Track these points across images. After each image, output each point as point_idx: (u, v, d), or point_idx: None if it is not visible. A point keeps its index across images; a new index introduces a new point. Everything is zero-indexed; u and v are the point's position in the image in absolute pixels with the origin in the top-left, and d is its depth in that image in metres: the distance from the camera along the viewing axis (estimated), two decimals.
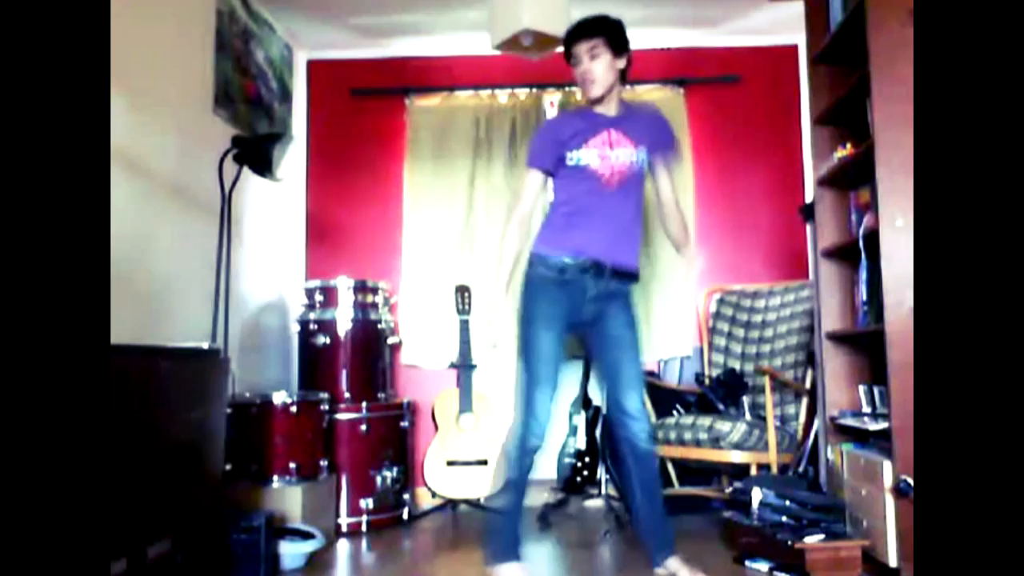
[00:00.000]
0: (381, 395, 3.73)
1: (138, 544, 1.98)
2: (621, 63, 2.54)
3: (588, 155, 2.50)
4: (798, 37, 4.17)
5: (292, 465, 3.10)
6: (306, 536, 2.86)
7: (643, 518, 2.60)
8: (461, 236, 4.38)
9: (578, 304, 2.51)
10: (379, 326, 3.74)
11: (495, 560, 2.50)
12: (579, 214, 2.52)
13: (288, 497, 2.98)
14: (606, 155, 2.51)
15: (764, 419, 3.31)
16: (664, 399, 3.77)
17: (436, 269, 4.37)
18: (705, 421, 3.31)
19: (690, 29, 4.34)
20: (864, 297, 2.81)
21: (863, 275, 2.81)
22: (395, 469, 3.62)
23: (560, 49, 3.48)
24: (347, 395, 3.60)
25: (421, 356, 4.33)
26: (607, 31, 2.51)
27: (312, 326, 3.66)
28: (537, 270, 2.52)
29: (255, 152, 3.09)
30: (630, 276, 2.60)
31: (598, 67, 2.49)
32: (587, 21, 2.53)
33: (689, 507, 3.67)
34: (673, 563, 2.55)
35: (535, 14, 3.26)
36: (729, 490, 3.10)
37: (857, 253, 2.80)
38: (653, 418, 3.59)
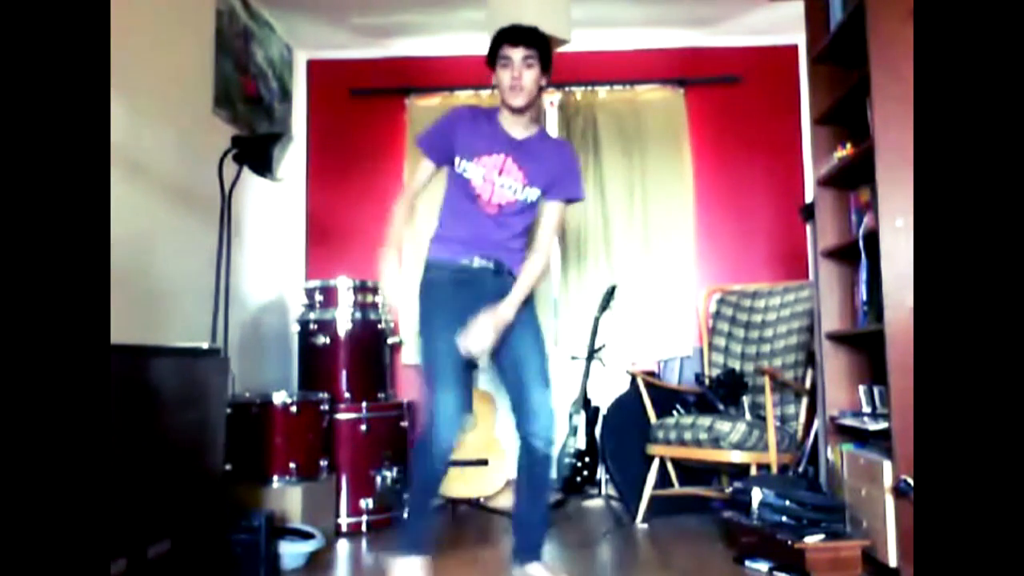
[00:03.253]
0: (381, 395, 3.73)
1: (138, 544, 1.98)
2: (544, 81, 2.48)
3: (475, 172, 2.44)
4: (798, 37, 4.17)
5: (292, 465, 3.10)
6: (306, 536, 2.86)
7: (521, 516, 2.53)
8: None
9: (478, 302, 2.39)
10: (379, 326, 3.74)
11: (399, 551, 2.46)
12: (465, 222, 2.48)
13: (288, 497, 2.98)
14: (491, 179, 2.44)
15: (764, 419, 3.31)
16: (664, 399, 3.77)
17: None
18: (705, 421, 3.30)
19: (690, 29, 4.34)
20: (864, 297, 2.81)
21: (863, 275, 2.81)
22: (395, 469, 3.62)
23: (560, 49, 3.50)
24: (347, 395, 3.60)
25: None
26: (543, 45, 2.45)
27: (312, 326, 3.66)
28: (433, 273, 2.49)
29: (255, 152, 3.09)
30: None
31: (529, 77, 2.42)
32: (527, 29, 2.46)
33: (689, 507, 3.67)
34: (534, 568, 2.48)
35: (535, 14, 3.26)
36: (729, 490, 3.09)
37: (857, 253, 2.80)
38: (653, 419, 3.59)
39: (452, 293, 2.43)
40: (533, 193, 2.46)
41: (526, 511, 2.53)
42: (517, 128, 2.49)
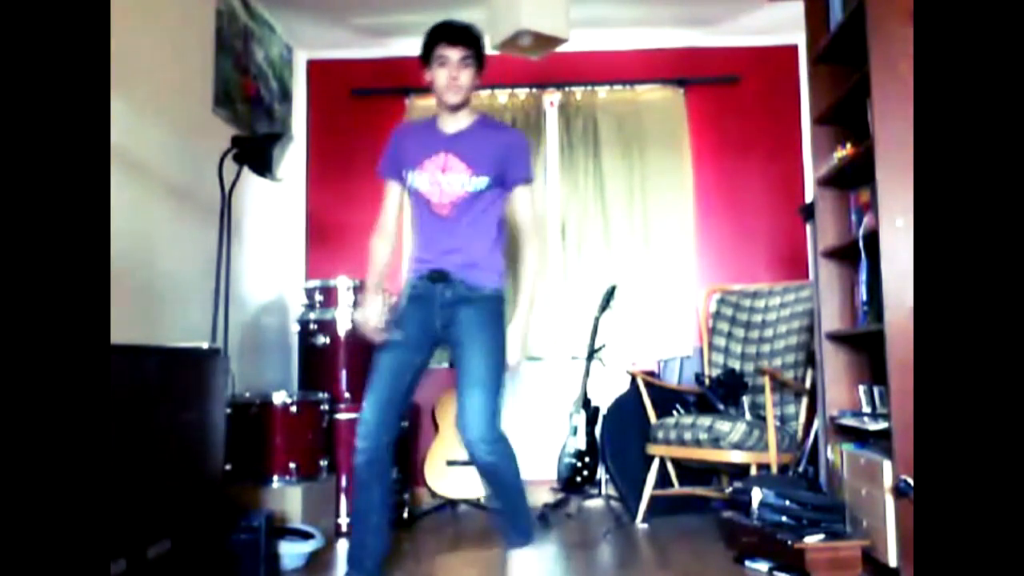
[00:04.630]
0: None
1: (138, 544, 1.98)
2: (478, 79, 2.50)
3: (420, 179, 2.46)
4: (798, 37, 4.17)
5: (292, 465, 3.10)
6: (306, 536, 2.86)
7: (496, 511, 2.55)
8: None
9: (431, 313, 2.44)
10: None
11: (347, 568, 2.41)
12: (421, 236, 2.51)
13: (288, 497, 2.98)
14: (437, 180, 2.45)
15: (764, 419, 3.31)
16: (664, 399, 3.77)
17: None
18: (705, 421, 3.31)
19: (690, 29, 4.34)
20: (864, 297, 2.81)
21: (863, 275, 2.81)
22: (395, 469, 3.62)
23: (560, 49, 3.50)
24: (347, 395, 3.60)
25: None
26: (479, 45, 2.46)
27: (312, 326, 3.66)
28: (403, 293, 2.54)
29: (255, 152, 3.09)
30: (482, 285, 2.47)
31: (466, 76, 2.43)
32: (464, 28, 2.46)
33: (689, 507, 3.67)
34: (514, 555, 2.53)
35: (534, 14, 3.27)
36: (729, 490, 3.10)
37: (857, 253, 2.80)
38: (653, 419, 3.59)
39: (407, 311, 2.48)
40: (481, 181, 2.44)
41: (495, 506, 2.55)
42: (453, 123, 2.50)
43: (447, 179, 2.44)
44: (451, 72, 2.41)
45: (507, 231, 2.53)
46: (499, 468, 2.43)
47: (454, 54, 2.41)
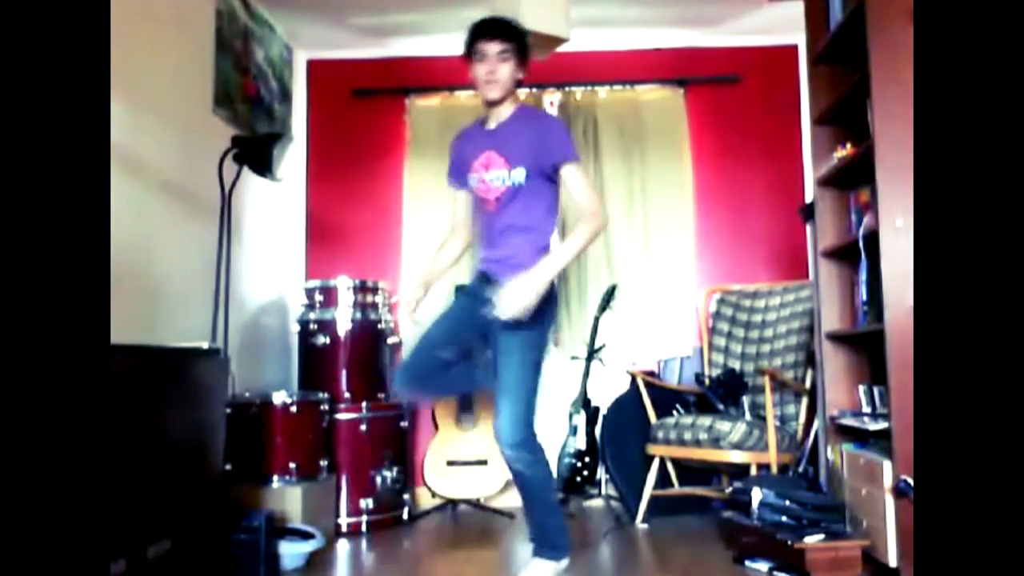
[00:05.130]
0: (381, 395, 3.73)
1: (138, 544, 1.98)
2: (520, 74, 2.48)
3: (473, 180, 2.53)
4: (798, 37, 4.16)
5: (292, 465, 3.10)
6: (306, 536, 2.86)
7: (527, 520, 2.55)
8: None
9: (477, 306, 2.44)
10: (379, 326, 3.73)
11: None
12: (479, 233, 2.62)
13: (288, 497, 2.98)
14: (483, 179, 2.50)
15: (764, 419, 3.30)
16: (664, 399, 3.77)
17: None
18: (705, 421, 3.30)
19: (690, 29, 4.34)
20: (864, 297, 2.81)
21: (863, 275, 2.81)
22: (395, 469, 3.62)
23: (560, 49, 3.50)
24: (347, 395, 3.60)
25: None
26: (519, 38, 2.45)
27: (312, 326, 3.66)
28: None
29: (255, 152, 3.09)
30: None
31: (504, 71, 2.43)
32: (502, 22, 2.47)
33: (689, 507, 3.67)
34: (533, 564, 2.48)
35: (535, 14, 3.26)
36: (729, 490, 3.09)
37: (857, 253, 2.80)
38: (653, 419, 3.59)
39: (460, 298, 2.64)
40: (519, 173, 2.43)
41: (526, 511, 2.54)
42: (495, 118, 2.52)
43: (490, 176, 2.48)
44: (488, 67, 2.42)
45: (559, 223, 2.58)
46: (525, 478, 2.42)
47: (491, 48, 2.42)
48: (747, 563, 2.76)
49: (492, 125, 2.52)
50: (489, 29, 2.44)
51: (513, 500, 4.05)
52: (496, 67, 2.42)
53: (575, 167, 2.42)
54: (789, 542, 2.59)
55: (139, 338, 2.71)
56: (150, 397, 2.06)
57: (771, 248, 4.39)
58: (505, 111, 2.50)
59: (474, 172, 2.51)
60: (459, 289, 3.96)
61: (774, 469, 3.13)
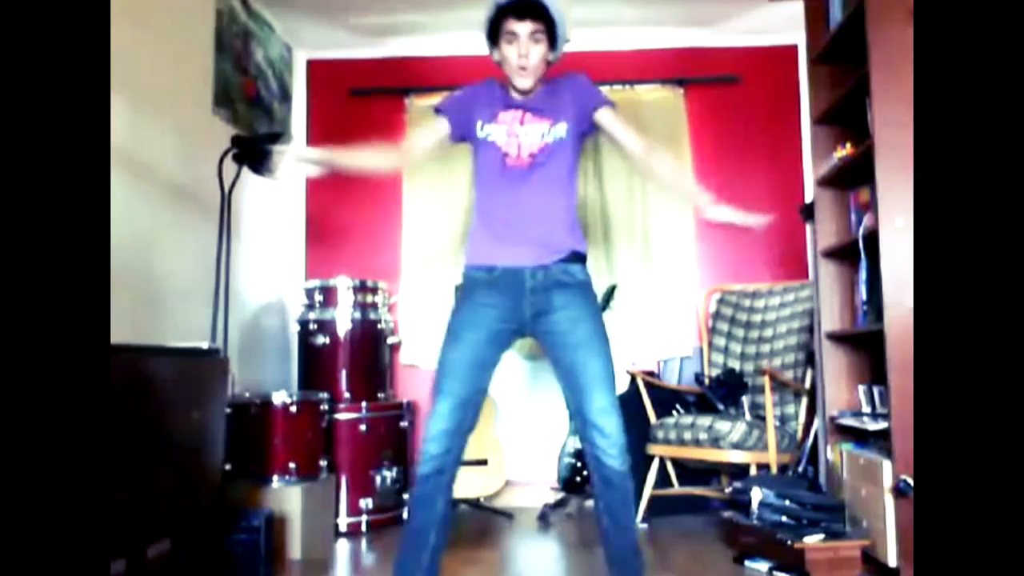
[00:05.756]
0: (381, 395, 3.73)
1: (138, 544, 1.98)
2: (551, 57, 2.21)
3: (497, 131, 2.19)
4: (798, 37, 4.16)
5: (292, 465, 3.10)
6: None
7: (611, 548, 2.11)
8: (461, 236, 4.38)
9: (517, 300, 2.13)
10: (379, 326, 3.73)
11: None
12: (493, 208, 2.20)
13: (288, 497, 2.98)
14: (514, 132, 2.18)
15: (764, 419, 3.31)
16: (664, 399, 3.77)
17: (436, 269, 4.37)
18: (705, 421, 3.30)
19: (690, 29, 4.34)
20: (864, 297, 2.81)
21: (863, 275, 2.81)
22: (395, 469, 3.62)
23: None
24: (347, 395, 3.60)
25: (421, 356, 4.33)
26: (551, 17, 2.15)
27: (312, 326, 3.66)
28: (468, 274, 2.22)
29: (255, 152, 3.09)
30: (571, 258, 2.18)
31: (536, 54, 2.14)
32: (533, 0, 2.12)
33: (689, 507, 3.67)
34: None
35: None
36: (729, 490, 3.10)
37: (857, 253, 2.80)
38: (653, 419, 3.59)
39: (486, 292, 2.15)
40: (561, 128, 2.19)
41: (616, 544, 2.12)
42: (521, 94, 2.23)
43: (526, 130, 2.18)
44: (520, 50, 2.13)
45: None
46: (628, 481, 2.11)
47: (523, 28, 2.13)
48: (747, 563, 2.76)
49: (528, 96, 2.23)
50: (519, 7, 2.12)
51: (513, 500, 4.05)
52: (528, 50, 2.14)
53: (613, 110, 2.23)
54: (789, 542, 2.59)
55: (139, 338, 2.71)
56: (150, 397, 2.06)
57: (771, 248, 4.39)
58: (535, 92, 2.24)
59: (499, 123, 2.19)
60: (460, 289, 3.95)
61: (774, 469, 3.13)
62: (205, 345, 2.70)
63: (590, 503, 3.94)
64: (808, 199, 3.72)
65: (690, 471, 3.69)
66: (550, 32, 2.16)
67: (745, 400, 3.62)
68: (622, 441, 2.09)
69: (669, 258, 4.35)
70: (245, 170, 3.13)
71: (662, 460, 3.52)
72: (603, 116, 2.22)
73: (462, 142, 2.28)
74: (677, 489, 3.61)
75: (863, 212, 2.87)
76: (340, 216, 4.52)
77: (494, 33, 2.18)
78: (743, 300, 3.94)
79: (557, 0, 2.16)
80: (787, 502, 2.75)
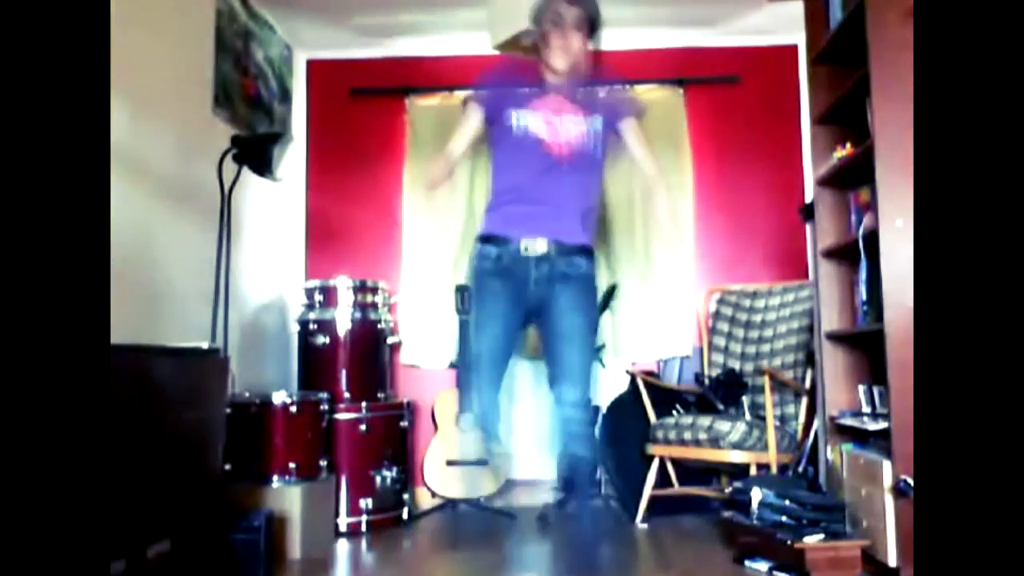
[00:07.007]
0: (381, 395, 3.73)
1: (138, 544, 1.98)
2: (587, 52, 2.34)
3: (534, 120, 2.27)
4: (798, 37, 4.16)
5: (292, 465, 3.09)
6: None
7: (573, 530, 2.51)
8: (461, 236, 4.38)
9: (523, 290, 2.29)
10: (379, 326, 3.73)
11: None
12: (519, 193, 2.30)
13: (288, 497, 2.98)
14: (552, 122, 2.27)
15: (764, 419, 3.31)
16: (664, 399, 3.77)
17: (436, 269, 4.37)
18: (704, 421, 3.30)
19: (689, 29, 4.34)
20: (864, 297, 2.81)
21: (863, 275, 2.81)
22: (395, 469, 3.62)
23: None
24: (347, 395, 3.60)
25: (421, 356, 4.33)
26: (597, 18, 2.34)
27: (312, 326, 3.66)
28: (477, 264, 2.34)
29: (255, 152, 3.09)
30: (579, 251, 2.34)
31: (577, 41, 2.27)
32: None
33: (689, 507, 3.67)
34: None
35: None
36: (729, 490, 3.09)
37: (857, 253, 2.80)
38: (653, 419, 3.59)
39: (497, 283, 2.30)
40: (597, 120, 2.31)
41: (576, 523, 2.54)
42: (560, 78, 2.35)
43: (563, 120, 2.28)
44: (563, 31, 2.25)
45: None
46: (590, 440, 2.52)
47: (570, 13, 2.26)
48: (747, 563, 2.76)
49: (562, 81, 2.33)
50: None
51: (513, 500, 4.05)
52: (571, 36, 2.26)
53: (639, 121, 2.40)
54: (789, 542, 2.59)
55: (139, 338, 2.71)
56: (150, 397, 2.06)
57: (771, 248, 4.39)
58: (564, 81, 2.34)
59: (536, 111, 2.27)
60: (461, 289, 3.96)
61: (774, 469, 3.13)
62: (205, 345, 2.71)
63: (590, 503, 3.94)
64: (808, 199, 3.72)
65: (690, 471, 3.69)
66: (592, 27, 2.31)
67: (745, 400, 3.62)
68: (589, 429, 2.48)
69: (669, 258, 4.35)
70: (245, 170, 3.13)
71: (662, 460, 3.52)
72: (627, 126, 2.38)
73: (488, 127, 2.37)
74: (677, 489, 3.60)
75: (863, 212, 2.87)
76: (340, 216, 4.52)
77: (538, 17, 2.29)
78: (743, 300, 3.94)
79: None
80: (787, 502, 2.75)
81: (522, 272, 2.28)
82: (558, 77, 2.32)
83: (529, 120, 2.28)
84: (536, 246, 2.28)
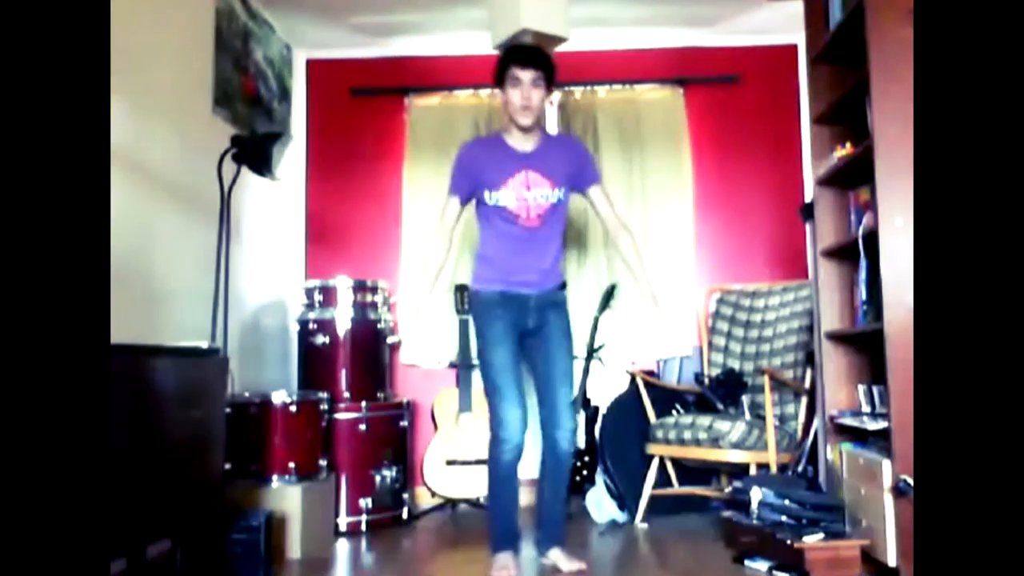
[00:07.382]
0: (380, 395, 3.73)
1: (138, 544, 1.98)
2: (547, 100, 2.69)
3: (506, 196, 2.63)
4: (798, 37, 4.17)
5: (291, 465, 3.09)
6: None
7: (544, 510, 2.80)
8: (460, 237, 4.38)
9: (523, 314, 2.69)
10: (379, 326, 3.73)
11: (492, 549, 2.72)
12: (504, 251, 2.70)
13: (287, 497, 2.98)
14: (523, 196, 2.63)
15: (763, 418, 3.31)
16: (663, 399, 3.77)
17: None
18: (704, 421, 3.31)
19: (689, 29, 4.34)
20: (864, 297, 2.81)
21: (863, 275, 2.81)
22: (394, 469, 3.62)
23: (560, 48, 3.50)
24: (346, 395, 3.60)
25: (420, 356, 4.33)
26: (551, 68, 2.64)
27: (311, 326, 3.66)
28: (478, 296, 2.74)
29: (254, 151, 3.09)
30: (556, 289, 2.78)
31: (538, 97, 2.60)
32: (536, 50, 2.67)
33: (689, 507, 3.67)
34: (555, 553, 2.77)
35: (535, 14, 3.26)
36: (729, 490, 3.10)
37: (857, 253, 2.80)
38: (653, 418, 3.59)
39: (500, 308, 2.68)
40: (560, 192, 2.68)
41: (550, 507, 2.80)
42: (524, 142, 2.69)
43: (533, 194, 2.64)
44: (524, 93, 2.59)
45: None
46: (569, 459, 2.77)
47: (526, 75, 2.59)
48: (747, 563, 2.76)
49: (527, 147, 2.68)
50: (523, 56, 2.62)
51: None
52: (531, 93, 2.59)
53: (602, 185, 2.81)
54: (788, 541, 2.59)
55: (139, 338, 2.71)
56: (150, 397, 2.06)
57: (771, 248, 4.39)
58: (534, 135, 2.69)
59: (508, 189, 2.63)
60: (459, 289, 3.96)
61: (773, 469, 3.14)
62: (205, 345, 2.71)
63: (590, 503, 3.94)
64: (808, 199, 3.72)
65: (690, 471, 3.69)
66: (548, 79, 2.64)
67: (745, 400, 3.62)
68: (574, 433, 2.76)
69: (669, 258, 4.35)
70: (245, 170, 3.13)
71: (662, 460, 3.52)
72: (594, 193, 2.78)
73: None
74: (677, 489, 3.61)
75: (863, 212, 2.87)
76: (340, 216, 4.52)
77: (500, 79, 2.64)
78: (743, 300, 3.94)
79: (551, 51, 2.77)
80: (787, 502, 2.75)
81: (522, 297, 2.70)
82: (522, 139, 2.68)
83: (504, 198, 2.64)
84: (523, 292, 2.71)
